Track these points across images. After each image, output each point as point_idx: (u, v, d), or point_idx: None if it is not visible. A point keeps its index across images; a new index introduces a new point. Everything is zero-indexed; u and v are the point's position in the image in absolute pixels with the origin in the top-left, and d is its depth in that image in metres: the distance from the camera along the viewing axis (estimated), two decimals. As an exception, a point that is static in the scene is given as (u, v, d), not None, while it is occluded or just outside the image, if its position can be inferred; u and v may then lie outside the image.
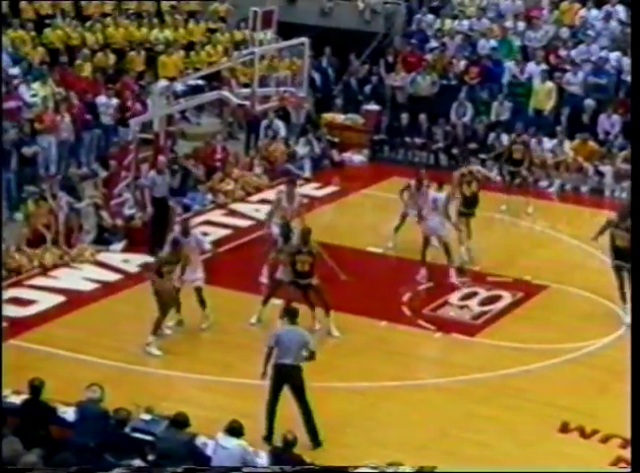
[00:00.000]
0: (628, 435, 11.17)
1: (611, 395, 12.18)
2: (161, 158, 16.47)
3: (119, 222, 16.49)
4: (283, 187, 15.37)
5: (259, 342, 12.07)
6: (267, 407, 10.86)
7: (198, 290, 13.36)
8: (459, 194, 15.97)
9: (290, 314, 11.24)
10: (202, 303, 13.41)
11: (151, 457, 9.34)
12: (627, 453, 10.97)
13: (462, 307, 14.40)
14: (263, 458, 9.40)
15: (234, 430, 9.06)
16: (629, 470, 8.49)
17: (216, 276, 14.01)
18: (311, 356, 10.86)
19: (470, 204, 16.02)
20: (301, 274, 13.24)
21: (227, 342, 13.20)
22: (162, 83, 18.47)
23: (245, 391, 11.99)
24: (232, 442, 9.00)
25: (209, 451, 9.50)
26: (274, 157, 19.96)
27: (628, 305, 13.45)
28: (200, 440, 9.73)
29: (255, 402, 11.73)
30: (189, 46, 22.61)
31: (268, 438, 10.67)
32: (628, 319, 13.21)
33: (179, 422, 9.29)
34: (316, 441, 10.70)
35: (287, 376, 10.82)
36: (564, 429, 11.44)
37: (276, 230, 14.47)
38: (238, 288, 14.55)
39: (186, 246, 13.24)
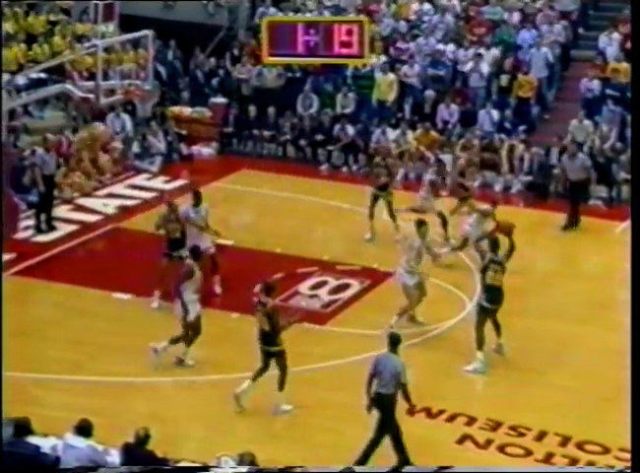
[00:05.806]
0: (473, 412, 11.72)
1: (456, 375, 12.61)
2: (50, 135, 17.17)
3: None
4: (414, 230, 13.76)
5: (106, 338, 11.97)
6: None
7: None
8: None
9: (392, 341, 10.87)
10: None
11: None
12: (473, 430, 11.45)
13: (312, 297, 14.63)
14: (114, 456, 9.32)
15: (83, 429, 8.95)
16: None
17: (62, 272, 13.74)
18: (403, 389, 10.60)
19: None
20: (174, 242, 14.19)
21: (75, 340, 13.03)
22: (4, 77, 17.98)
23: (94, 389, 11.87)
24: (81, 442, 8.91)
25: (59, 452, 9.35)
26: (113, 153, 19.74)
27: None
28: (50, 442, 9.56)
29: (105, 400, 11.66)
30: (30, 39, 22.06)
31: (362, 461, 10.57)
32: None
33: (22, 427, 9.11)
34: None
35: (379, 405, 10.68)
36: (411, 411, 11.76)
37: (408, 280, 13.53)
38: (85, 284, 14.36)
39: None
